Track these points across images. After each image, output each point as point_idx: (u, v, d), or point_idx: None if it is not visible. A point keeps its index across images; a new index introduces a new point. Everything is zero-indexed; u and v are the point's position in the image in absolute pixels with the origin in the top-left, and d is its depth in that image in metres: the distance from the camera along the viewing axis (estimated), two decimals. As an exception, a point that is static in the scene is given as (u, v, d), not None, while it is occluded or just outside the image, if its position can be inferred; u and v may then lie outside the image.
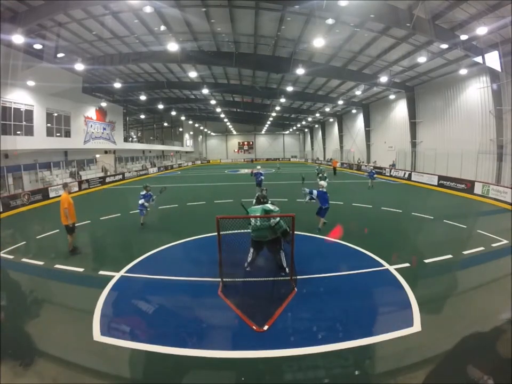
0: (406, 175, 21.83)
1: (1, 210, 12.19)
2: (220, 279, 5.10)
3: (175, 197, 15.29)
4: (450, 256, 6.33)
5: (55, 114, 20.08)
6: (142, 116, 38.17)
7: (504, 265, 5.84)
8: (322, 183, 8.65)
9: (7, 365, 3.12)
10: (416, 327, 3.87)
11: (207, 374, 3.31)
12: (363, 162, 31.50)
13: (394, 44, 15.30)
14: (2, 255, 6.77)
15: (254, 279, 5.25)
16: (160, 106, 31.56)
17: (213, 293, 4.82)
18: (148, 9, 11.68)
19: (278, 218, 5.23)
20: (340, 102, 27.99)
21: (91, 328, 3.93)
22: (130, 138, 36.80)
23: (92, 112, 24.61)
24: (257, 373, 3.27)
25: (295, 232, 5.03)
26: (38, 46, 14.43)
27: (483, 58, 13.83)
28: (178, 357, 3.42)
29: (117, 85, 21.18)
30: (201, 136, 59.03)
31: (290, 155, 59.73)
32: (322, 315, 4.28)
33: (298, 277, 5.19)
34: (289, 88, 23.54)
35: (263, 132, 58.06)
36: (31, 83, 16.57)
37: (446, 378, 1.41)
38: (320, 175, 16.05)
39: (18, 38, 11.47)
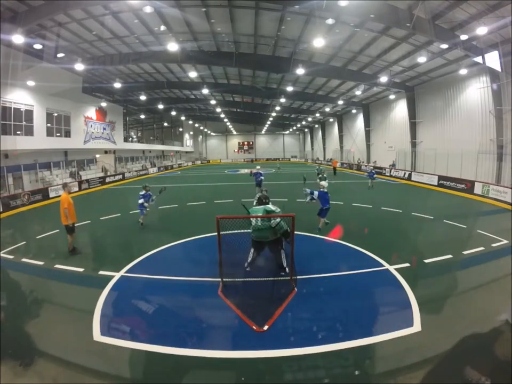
0: (406, 175, 21.83)
1: (1, 210, 12.19)
2: (220, 279, 5.09)
3: (175, 197, 15.29)
4: (450, 256, 6.33)
5: (55, 114, 20.09)
6: (142, 116, 38.17)
7: (504, 265, 5.84)
8: (323, 183, 8.64)
9: (7, 365, 3.12)
10: (416, 327, 3.87)
11: (207, 374, 3.31)
12: (363, 162, 31.50)
13: (394, 44, 15.30)
14: (2, 255, 6.77)
15: (254, 279, 5.25)
16: (160, 106, 31.57)
17: (213, 293, 4.81)
18: (148, 9, 11.68)
19: (278, 219, 5.23)
20: (340, 102, 27.99)
21: (91, 328, 3.93)
22: (130, 138, 36.81)
23: (91, 112, 24.62)
24: (257, 373, 3.27)
25: (295, 232, 5.04)
26: (38, 46, 14.43)
27: (483, 58, 13.83)
28: (178, 357, 3.42)
29: (117, 85, 21.18)
30: (201, 136, 59.04)
31: (290, 155, 59.73)
32: (322, 315, 4.28)
33: (298, 277, 5.19)
34: (289, 88, 23.55)
35: (263, 132, 58.06)
36: (31, 83, 16.57)
37: (446, 378, 1.40)
38: (320, 175, 16.03)
39: (18, 38, 11.47)
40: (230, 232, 5.10)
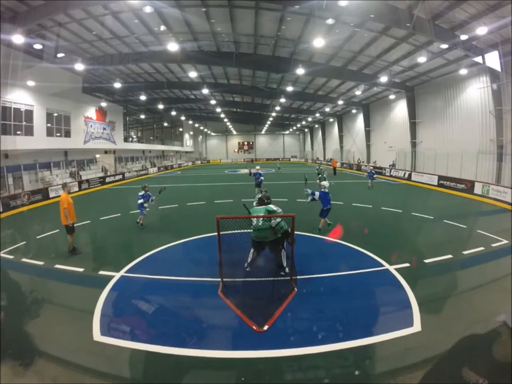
0: (406, 175, 21.83)
1: (1, 210, 12.19)
2: (220, 279, 5.10)
3: (175, 197, 15.29)
4: (450, 256, 6.33)
5: (55, 114, 20.09)
6: (142, 116, 38.19)
7: (504, 265, 5.85)
8: (325, 183, 8.63)
9: (7, 365, 3.11)
10: (416, 327, 3.87)
11: (207, 374, 3.31)
12: (363, 162, 31.49)
13: (394, 44, 15.30)
14: (2, 255, 6.77)
15: (254, 279, 5.25)
16: (160, 106, 31.57)
17: (213, 293, 4.82)
18: (148, 9, 11.68)
19: (278, 219, 5.23)
20: (340, 102, 27.98)
21: (91, 328, 3.93)
22: (130, 138, 36.79)
23: (91, 112, 24.62)
24: (257, 373, 3.27)
25: (295, 232, 5.04)
26: (38, 46, 14.43)
27: (483, 58, 13.82)
28: (178, 357, 3.42)
29: (117, 85, 21.19)
30: (201, 136, 59.04)
31: (290, 155, 59.73)
32: (322, 315, 4.28)
33: (298, 277, 5.19)
34: (289, 88, 23.56)
35: (263, 132, 58.06)
36: (31, 83, 16.57)
37: (446, 378, 1.40)
38: (320, 175, 16.02)
39: (18, 38, 11.47)
40: (230, 232, 5.10)
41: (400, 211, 11.19)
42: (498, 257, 6.43)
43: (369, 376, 3.26)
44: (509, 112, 14.75)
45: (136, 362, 3.42)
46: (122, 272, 5.71)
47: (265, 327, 3.91)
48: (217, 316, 4.31)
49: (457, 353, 1.45)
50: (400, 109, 25.14)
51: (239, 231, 5.24)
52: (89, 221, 10.02)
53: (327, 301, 4.69)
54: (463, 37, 12.46)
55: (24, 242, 8.00)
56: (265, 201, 5.70)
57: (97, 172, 25.61)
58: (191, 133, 53.65)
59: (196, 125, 52.89)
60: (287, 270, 5.35)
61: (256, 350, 3.50)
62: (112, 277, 5.51)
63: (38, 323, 4.06)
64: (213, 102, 32.36)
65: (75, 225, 7.18)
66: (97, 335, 3.80)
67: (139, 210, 9.23)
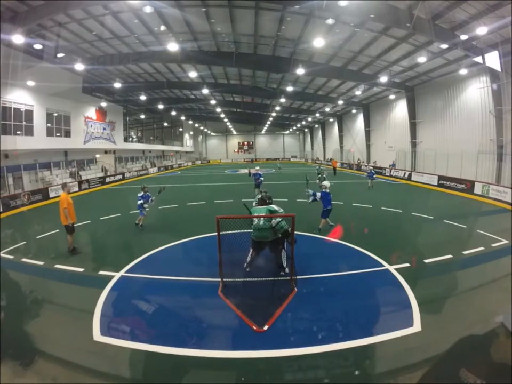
0: (406, 175, 21.83)
1: (1, 210, 12.19)
2: (220, 279, 5.10)
3: (175, 197, 15.29)
4: (450, 256, 6.33)
5: (55, 114, 20.09)
6: (142, 116, 38.18)
7: (504, 265, 5.85)
8: (326, 183, 8.62)
9: (7, 365, 3.11)
10: (416, 327, 3.87)
11: (207, 374, 3.31)
12: (363, 162, 31.50)
13: (394, 44, 15.30)
14: (2, 255, 6.77)
15: (254, 279, 5.25)
16: (160, 106, 31.57)
17: (213, 293, 4.81)
18: (148, 9, 11.68)
19: (278, 219, 5.23)
20: (340, 102, 27.99)
21: (91, 328, 3.93)
22: (130, 138, 36.80)
23: (91, 112, 24.62)
24: (257, 373, 3.27)
25: (295, 232, 5.04)
26: (38, 46, 14.43)
27: (483, 58, 13.82)
28: (178, 357, 3.42)
29: (117, 85, 21.20)
30: (201, 136, 59.04)
31: (290, 155, 59.74)
32: (322, 315, 4.28)
33: (298, 277, 5.19)
34: (289, 88, 23.55)
35: (263, 132, 58.05)
36: (31, 83, 16.57)
37: (446, 378, 1.40)
38: (320, 175, 16.03)
39: (18, 38, 11.47)
40: (230, 232, 5.10)
41: (400, 211, 11.19)
42: (498, 257, 6.43)
43: (369, 376, 3.25)
44: (509, 112, 14.75)
45: (136, 362, 3.42)
46: (122, 272, 5.71)
47: (265, 327, 3.91)
48: (217, 316, 4.31)
49: (458, 353, 1.45)
50: (400, 109, 25.13)
51: (239, 231, 5.23)
52: (89, 221, 10.02)
53: (327, 301, 4.69)
54: (463, 37, 12.46)
55: (24, 242, 8.00)
56: (267, 201, 5.71)
57: (97, 172, 25.61)
58: (191, 133, 53.65)
59: (196, 125, 52.89)
60: (287, 270, 5.35)
61: (256, 350, 3.50)
62: (112, 277, 5.51)
63: (38, 323, 4.06)
64: (213, 102, 32.36)
65: (75, 225, 7.19)
66: (97, 335, 3.80)
67: (138, 211, 9.23)
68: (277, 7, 12.38)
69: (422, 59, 15.63)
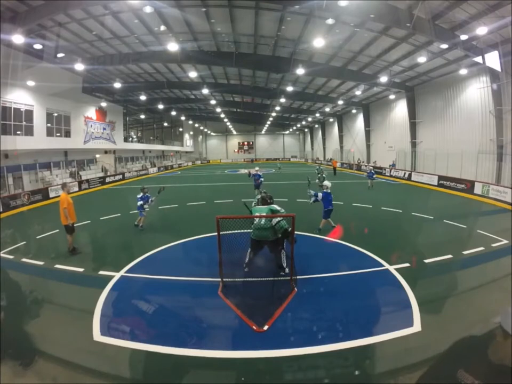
0: (406, 175, 21.83)
1: (1, 210, 12.19)
2: (220, 279, 5.10)
3: (175, 197, 15.29)
4: (450, 256, 6.32)
5: (55, 114, 20.09)
6: (142, 116, 38.17)
7: (504, 265, 5.84)
8: (327, 183, 8.61)
9: (7, 365, 3.11)
10: (416, 327, 3.87)
11: (207, 374, 3.31)
12: (363, 162, 31.50)
13: (394, 44, 15.30)
14: (2, 255, 6.77)
15: (254, 279, 5.25)
16: (160, 106, 31.57)
17: (213, 293, 4.81)
18: (148, 9, 11.68)
19: (278, 218, 5.23)
20: (340, 102, 27.98)
21: (91, 328, 3.93)
22: (130, 138, 36.81)
23: (91, 112, 24.62)
24: (257, 373, 3.27)
25: (295, 232, 5.04)
26: (38, 46, 14.43)
27: (483, 58, 13.82)
28: (178, 357, 3.41)
29: (117, 85, 21.20)
30: (201, 136, 59.03)
31: (290, 155, 59.74)
32: (322, 315, 4.28)
33: (298, 277, 5.19)
34: (289, 88, 23.55)
35: (263, 132, 58.05)
36: (31, 83, 16.57)
37: (446, 378, 1.40)
38: (320, 175, 16.02)
39: (18, 38, 11.47)
40: (230, 232, 5.10)
41: (400, 211, 11.19)
42: (498, 257, 6.43)
43: (369, 376, 3.25)
44: (509, 112, 14.75)
45: (136, 362, 3.42)
46: (122, 272, 5.71)
47: (265, 327, 3.91)
48: (217, 316, 4.31)
49: (458, 353, 1.45)
50: (400, 109, 25.13)
51: (239, 231, 5.23)
52: (89, 221, 10.02)
53: (327, 301, 4.69)
54: (463, 37, 12.46)
55: (24, 242, 8.00)
56: (268, 201, 5.71)
57: (97, 172, 25.61)
58: (191, 133, 53.66)
59: (196, 125, 52.88)
60: (286, 270, 5.35)
61: (256, 350, 3.50)
62: (112, 277, 5.51)
63: (38, 323, 4.06)
64: (213, 102, 32.36)
65: (75, 225, 7.18)
66: (97, 335, 3.80)
67: (138, 211, 9.23)
68: (277, 7, 12.38)
69: (422, 59, 15.63)
